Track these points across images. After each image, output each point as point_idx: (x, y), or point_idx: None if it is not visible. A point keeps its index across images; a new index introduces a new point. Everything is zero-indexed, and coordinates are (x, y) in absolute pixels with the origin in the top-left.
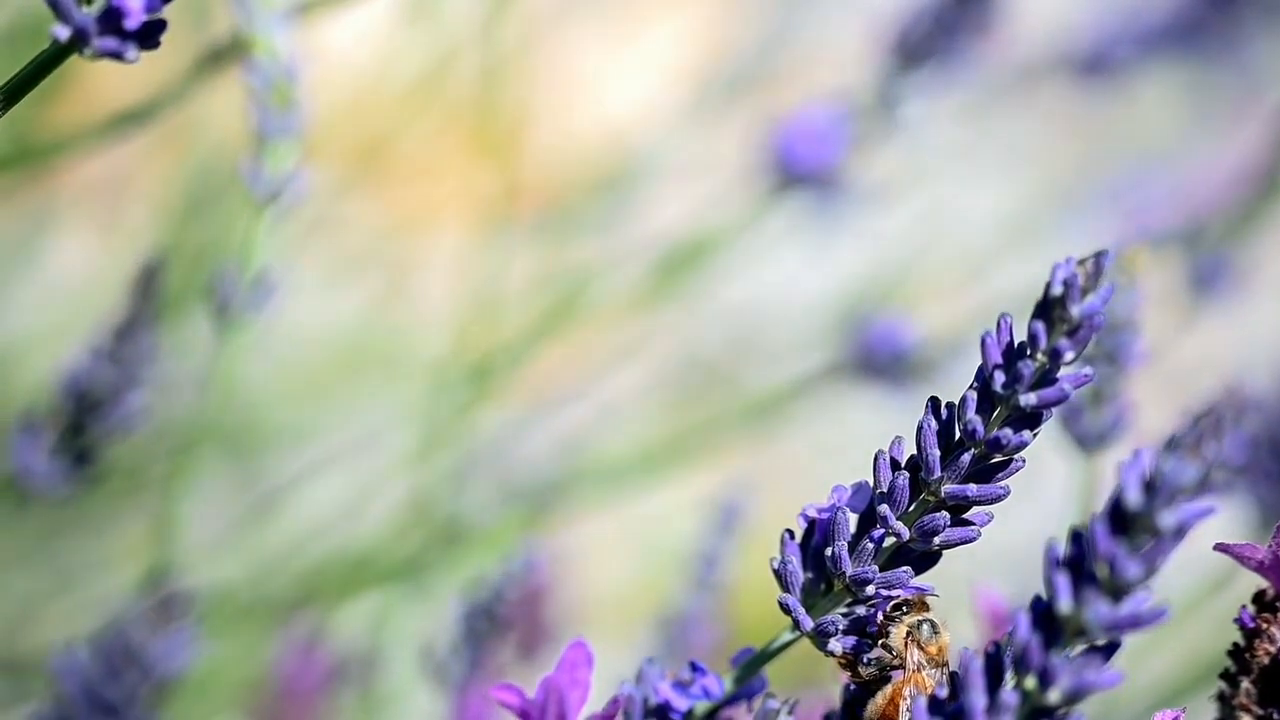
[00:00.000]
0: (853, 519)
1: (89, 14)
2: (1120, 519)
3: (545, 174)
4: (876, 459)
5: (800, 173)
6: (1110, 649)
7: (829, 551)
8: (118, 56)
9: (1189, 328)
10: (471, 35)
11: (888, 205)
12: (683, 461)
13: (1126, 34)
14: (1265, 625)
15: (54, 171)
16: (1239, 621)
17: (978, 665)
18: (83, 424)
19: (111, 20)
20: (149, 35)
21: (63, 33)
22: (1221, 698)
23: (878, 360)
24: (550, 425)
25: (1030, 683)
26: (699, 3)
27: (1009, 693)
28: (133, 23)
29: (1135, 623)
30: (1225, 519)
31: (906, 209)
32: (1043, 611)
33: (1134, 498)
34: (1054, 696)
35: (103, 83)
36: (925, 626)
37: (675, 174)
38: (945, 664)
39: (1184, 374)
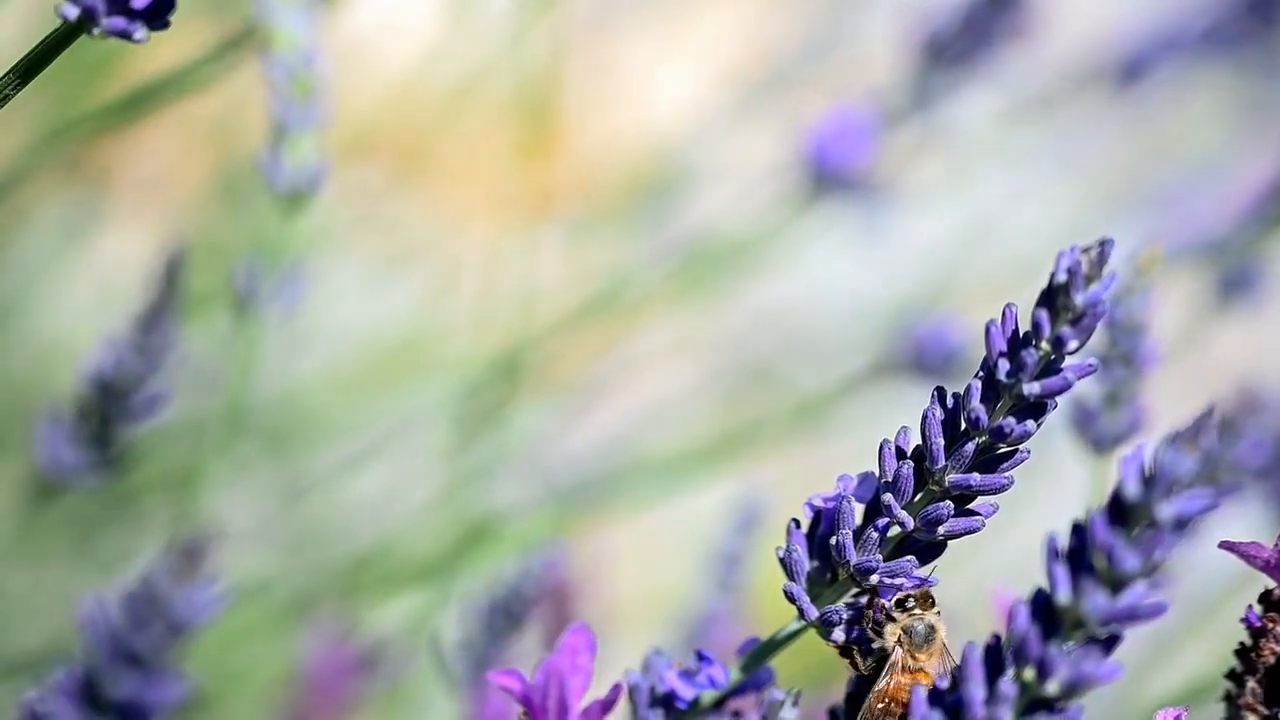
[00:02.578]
0: (859, 509)
1: None
2: (1119, 511)
3: (591, 173)
4: (881, 448)
5: (833, 174)
6: (1111, 642)
7: (833, 541)
8: (126, 36)
9: (1218, 333)
10: (517, 36)
11: (938, 208)
12: (730, 462)
13: (1168, 42)
14: (1272, 625)
15: (101, 164)
16: (1245, 621)
17: (977, 656)
18: (107, 412)
19: (120, 0)
20: (157, 14)
21: (71, 11)
22: (1228, 697)
23: (928, 360)
24: (597, 425)
25: (1029, 674)
26: (747, 1)
27: (1007, 683)
28: (140, 2)
29: (1133, 615)
30: (1249, 521)
31: (956, 212)
32: (1042, 603)
33: (1132, 490)
34: (1052, 688)
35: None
36: (921, 628)
37: (722, 173)
38: (941, 662)
39: (1214, 379)
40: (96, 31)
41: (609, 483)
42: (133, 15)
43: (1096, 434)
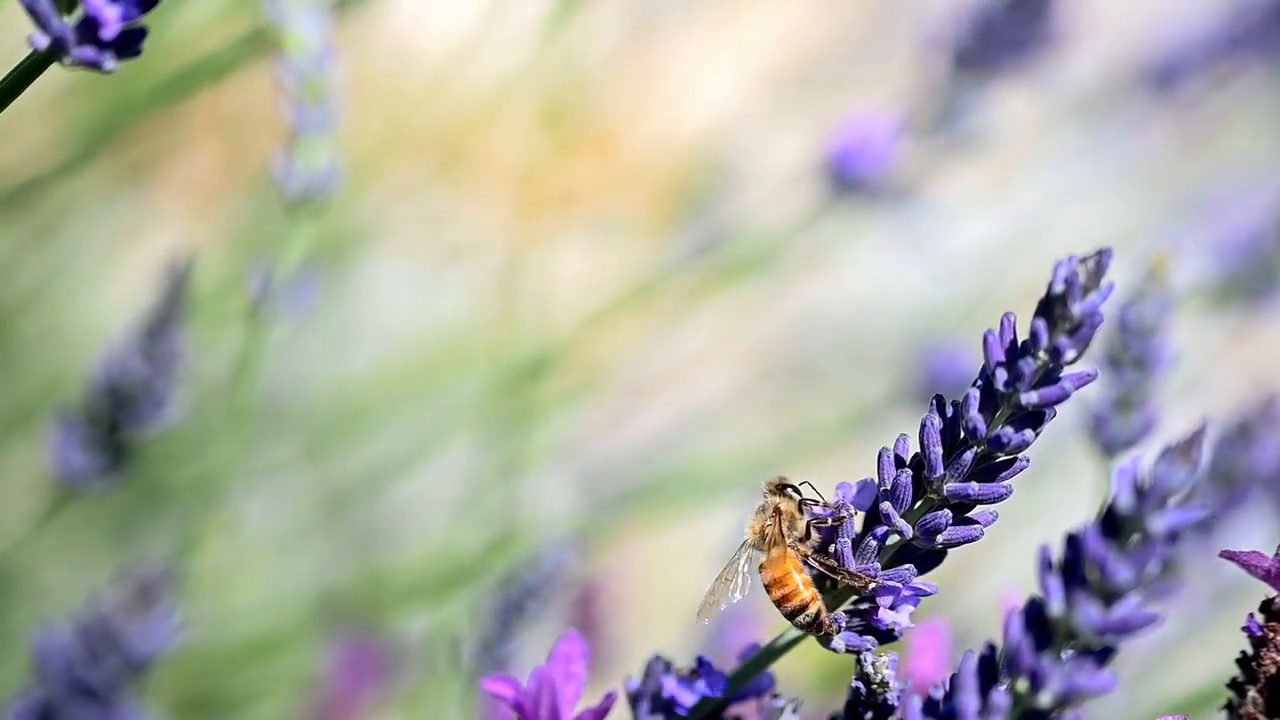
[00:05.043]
0: (859, 516)
1: (68, 23)
2: (1112, 523)
3: (634, 172)
4: (880, 456)
5: (853, 180)
6: (1105, 653)
7: (832, 549)
8: (95, 66)
9: (1244, 340)
10: (562, 36)
11: (987, 211)
12: (776, 465)
13: (1202, 47)
14: (1273, 634)
15: (152, 162)
16: (1246, 630)
17: (971, 666)
18: (115, 418)
19: (89, 30)
20: (127, 44)
21: (42, 41)
22: (1229, 706)
23: (943, 388)
24: (641, 426)
25: (1022, 685)
26: (794, 4)
27: (1000, 694)
28: (109, 33)
29: (1125, 627)
30: (1269, 528)
31: (1004, 216)
32: (1035, 614)
33: (1125, 502)
34: (1045, 699)
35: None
36: (758, 509)
37: (766, 174)
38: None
39: (1249, 384)
40: (67, 61)
41: (651, 487)
42: (102, 45)
43: (1108, 438)
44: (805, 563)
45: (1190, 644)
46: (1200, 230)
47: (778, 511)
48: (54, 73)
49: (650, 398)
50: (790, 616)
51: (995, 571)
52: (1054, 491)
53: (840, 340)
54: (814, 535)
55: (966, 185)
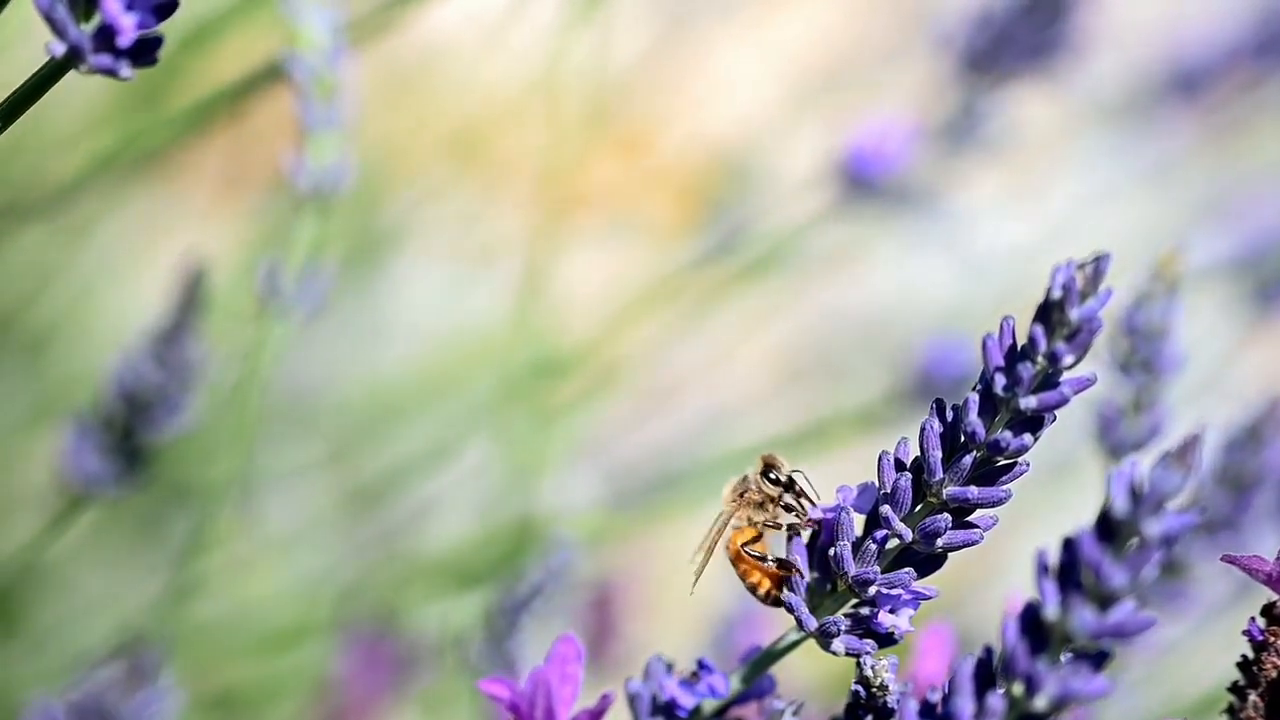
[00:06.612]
0: (859, 520)
1: (85, 31)
2: (1108, 527)
3: (664, 172)
4: (880, 460)
5: (867, 182)
6: (1101, 657)
7: (832, 552)
8: (112, 73)
9: (1266, 342)
10: (593, 38)
11: (1020, 211)
12: (800, 462)
13: (1226, 52)
14: (1273, 638)
15: (182, 159)
16: (1247, 634)
17: (967, 670)
18: (130, 423)
19: (106, 37)
20: (143, 52)
21: (58, 49)
22: (1230, 710)
23: (936, 385)
24: (670, 424)
25: (1017, 689)
26: (828, 6)
27: (996, 697)
28: (125, 40)
29: (1120, 631)
30: None
31: (1037, 217)
32: (1030, 618)
33: (1121, 506)
34: (1040, 703)
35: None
36: (738, 482)
37: (796, 174)
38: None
39: (1262, 387)
40: (83, 69)
41: (673, 486)
42: (118, 53)
43: (1116, 440)
44: (756, 550)
45: (1204, 646)
46: (1225, 232)
47: (741, 496)
48: (89, 94)
49: (676, 397)
50: (750, 592)
51: (1012, 572)
52: (1073, 493)
53: (867, 341)
54: (780, 529)
55: (994, 187)
